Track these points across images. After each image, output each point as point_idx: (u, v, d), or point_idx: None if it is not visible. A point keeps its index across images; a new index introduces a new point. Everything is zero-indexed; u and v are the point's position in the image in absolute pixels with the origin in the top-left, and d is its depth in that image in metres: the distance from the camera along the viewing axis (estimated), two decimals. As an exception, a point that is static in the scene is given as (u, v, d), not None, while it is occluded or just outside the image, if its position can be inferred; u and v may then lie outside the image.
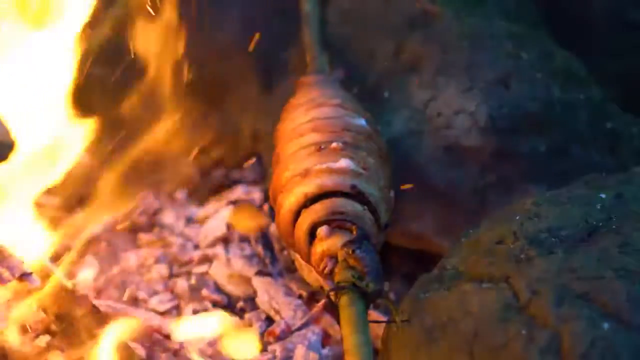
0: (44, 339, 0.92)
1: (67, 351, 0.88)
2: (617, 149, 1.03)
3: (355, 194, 0.86)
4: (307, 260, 0.87)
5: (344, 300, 0.76)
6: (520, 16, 1.14)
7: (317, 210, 0.86)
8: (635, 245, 0.69)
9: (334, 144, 0.90)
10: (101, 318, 0.88)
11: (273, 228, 1.12)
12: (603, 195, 0.79)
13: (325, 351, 0.95)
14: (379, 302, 0.91)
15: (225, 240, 1.14)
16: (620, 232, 0.71)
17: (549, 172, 0.99)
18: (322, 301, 0.99)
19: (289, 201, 0.88)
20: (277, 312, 1.00)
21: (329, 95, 1.00)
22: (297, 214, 0.87)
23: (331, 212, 0.85)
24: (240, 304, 1.05)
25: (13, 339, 0.91)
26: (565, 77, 1.05)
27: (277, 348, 0.96)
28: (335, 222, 0.85)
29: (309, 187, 0.87)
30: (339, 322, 0.79)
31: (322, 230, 0.84)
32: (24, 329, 0.94)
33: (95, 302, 0.92)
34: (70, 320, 0.86)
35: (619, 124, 1.05)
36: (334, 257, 0.83)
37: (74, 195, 1.21)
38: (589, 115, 1.03)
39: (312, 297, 1.02)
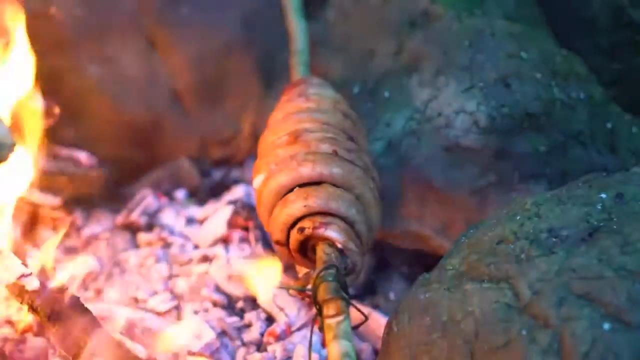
0: (37, 340, 0.92)
1: (60, 352, 0.88)
2: (617, 148, 1.03)
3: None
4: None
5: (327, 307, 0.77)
6: (520, 16, 1.14)
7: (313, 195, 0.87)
8: (635, 245, 0.69)
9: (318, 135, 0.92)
10: (94, 320, 0.87)
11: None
12: (603, 195, 0.79)
13: (325, 351, 0.95)
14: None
15: (225, 240, 1.14)
16: (620, 232, 0.71)
17: (549, 172, 0.99)
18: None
19: (279, 179, 0.89)
20: (281, 309, 1.00)
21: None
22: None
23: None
24: (240, 304, 1.05)
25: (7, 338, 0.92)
26: (566, 76, 1.05)
27: (277, 348, 0.96)
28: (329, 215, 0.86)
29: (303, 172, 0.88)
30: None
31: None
32: (19, 331, 0.94)
33: (90, 304, 0.91)
34: (63, 321, 0.86)
35: (619, 123, 1.05)
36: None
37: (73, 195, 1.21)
38: (589, 115, 1.03)
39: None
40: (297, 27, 1.23)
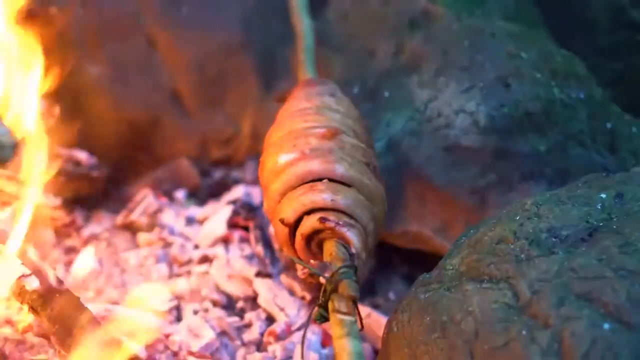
0: (37, 340, 0.92)
1: (61, 352, 0.88)
2: (617, 148, 1.03)
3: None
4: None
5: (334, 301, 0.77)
6: (520, 16, 1.14)
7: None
8: (635, 245, 0.68)
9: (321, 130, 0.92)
10: (95, 319, 0.87)
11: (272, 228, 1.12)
12: (603, 195, 0.79)
13: (325, 351, 0.95)
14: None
15: (225, 240, 1.14)
16: (620, 232, 0.71)
17: (549, 171, 0.99)
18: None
19: (311, 165, 0.89)
20: (282, 309, 1.00)
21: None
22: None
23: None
24: (240, 304, 1.05)
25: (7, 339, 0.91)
26: (565, 76, 1.05)
27: (277, 348, 0.96)
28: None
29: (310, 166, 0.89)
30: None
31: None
32: (19, 331, 0.94)
33: (91, 304, 0.91)
34: (63, 321, 0.86)
35: (619, 124, 1.05)
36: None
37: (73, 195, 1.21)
38: (589, 115, 1.03)
39: (313, 300, 1.02)
40: (304, 24, 1.22)
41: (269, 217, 0.93)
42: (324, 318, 0.77)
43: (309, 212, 0.86)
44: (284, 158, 0.90)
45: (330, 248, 0.83)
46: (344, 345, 0.71)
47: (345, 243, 0.83)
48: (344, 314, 0.74)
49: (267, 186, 0.91)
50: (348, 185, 0.88)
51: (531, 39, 1.08)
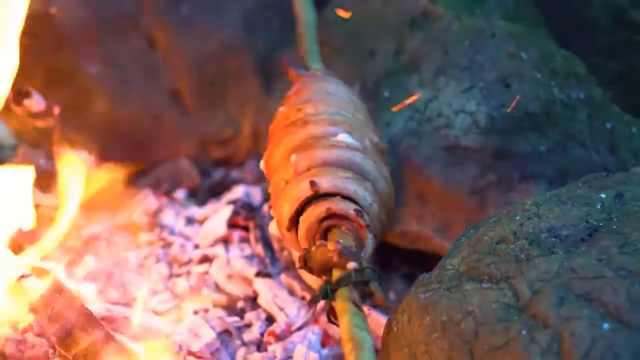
0: (37, 340, 0.92)
1: (61, 352, 0.88)
2: (617, 148, 1.03)
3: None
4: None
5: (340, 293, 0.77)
6: (520, 16, 1.14)
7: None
8: (635, 245, 0.68)
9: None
10: (95, 320, 0.87)
11: (272, 228, 1.12)
12: (603, 195, 0.79)
13: (325, 351, 0.95)
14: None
15: (225, 240, 1.14)
16: (620, 232, 0.71)
17: (549, 171, 0.99)
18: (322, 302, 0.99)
19: (354, 158, 0.90)
20: (282, 309, 1.00)
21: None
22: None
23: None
24: (240, 304, 1.05)
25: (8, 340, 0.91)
26: (565, 76, 1.05)
27: (277, 348, 0.96)
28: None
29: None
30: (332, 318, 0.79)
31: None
32: (19, 331, 0.94)
33: (91, 304, 0.91)
34: (63, 322, 0.86)
35: (619, 124, 1.05)
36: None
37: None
38: (589, 115, 1.03)
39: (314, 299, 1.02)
40: (308, 15, 1.21)
41: (280, 170, 0.92)
42: (327, 297, 0.78)
43: (345, 197, 0.87)
44: (343, 137, 0.92)
45: (348, 241, 0.83)
46: (365, 338, 0.71)
47: (360, 244, 0.84)
48: (359, 308, 0.75)
49: (312, 146, 0.91)
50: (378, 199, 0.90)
51: (531, 39, 1.08)
